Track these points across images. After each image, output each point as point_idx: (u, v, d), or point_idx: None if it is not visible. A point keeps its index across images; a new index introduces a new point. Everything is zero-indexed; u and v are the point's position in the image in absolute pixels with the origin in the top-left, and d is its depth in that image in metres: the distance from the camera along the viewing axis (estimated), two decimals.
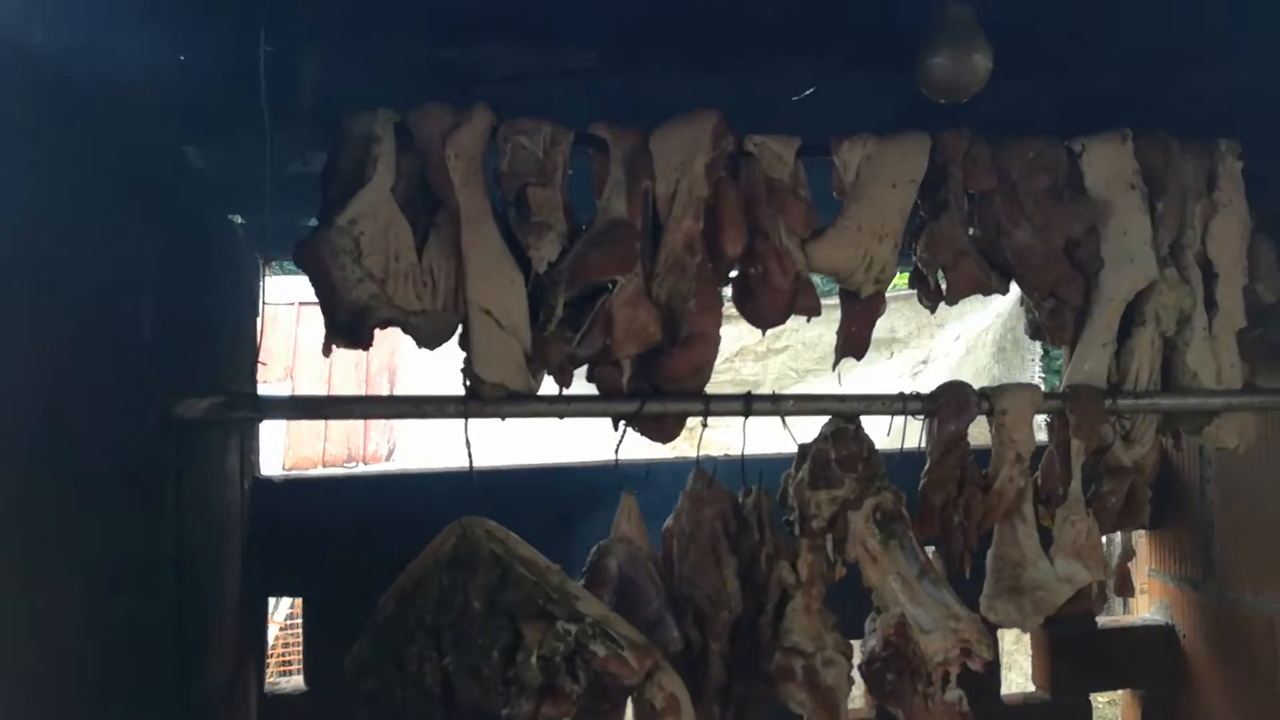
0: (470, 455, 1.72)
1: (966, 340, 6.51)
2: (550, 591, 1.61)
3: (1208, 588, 2.84)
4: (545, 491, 2.43)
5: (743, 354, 6.46)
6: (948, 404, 1.87)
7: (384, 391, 8.97)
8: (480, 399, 1.69)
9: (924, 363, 6.61)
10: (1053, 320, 1.95)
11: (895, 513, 1.82)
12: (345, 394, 8.04)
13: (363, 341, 1.72)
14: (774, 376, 6.74)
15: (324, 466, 9.34)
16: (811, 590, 1.80)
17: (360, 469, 8.59)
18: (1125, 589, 2.01)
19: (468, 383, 1.70)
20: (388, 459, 9.13)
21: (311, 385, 9.47)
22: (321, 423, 8.61)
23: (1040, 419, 2.02)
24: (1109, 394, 1.94)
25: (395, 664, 1.64)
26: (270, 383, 9.57)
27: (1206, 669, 2.85)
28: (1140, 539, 3.09)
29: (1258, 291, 2.06)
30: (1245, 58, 1.86)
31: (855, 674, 1.87)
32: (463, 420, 1.72)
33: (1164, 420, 2.03)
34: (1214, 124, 2.07)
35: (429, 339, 1.74)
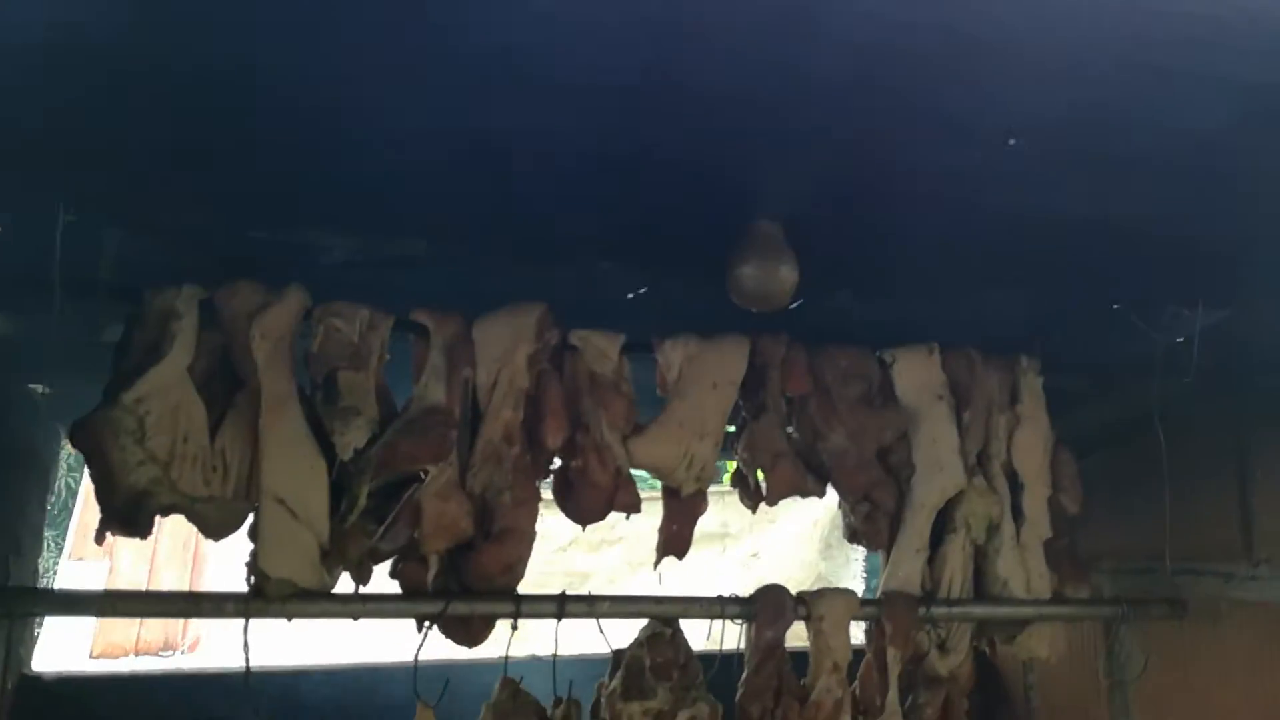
0: (247, 659, 1.57)
1: (796, 535, 6.63)
2: None
3: None
4: (338, 696, 2.23)
5: (576, 544, 6.33)
6: (765, 609, 1.83)
7: (211, 571, 8.36)
8: (265, 597, 1.56)
9: (755, 556, 6.66)
10: (867, 525, 1.97)
11: None
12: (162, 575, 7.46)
13: (141, 529, 1.58)
14: (608, 568, 6.61)
15: (136, 654, 8.52)
16: None
17: (167, 658, 7.87)
18: None
19: (252, 579, 1.57)
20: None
21: (133, 563, 8.78)
22: None
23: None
24: (923, 601, 1.94)
25: None
26: (87, 559, 8.81)
27: None
28: None
29: (1061, 501, 2.15)
30: (1041, 283, 2.00)
31: None
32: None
33: (978, 629, 2.04)
34: (1017, 342, 2.21)
35: (216, 529, 1.61)
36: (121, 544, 8.72)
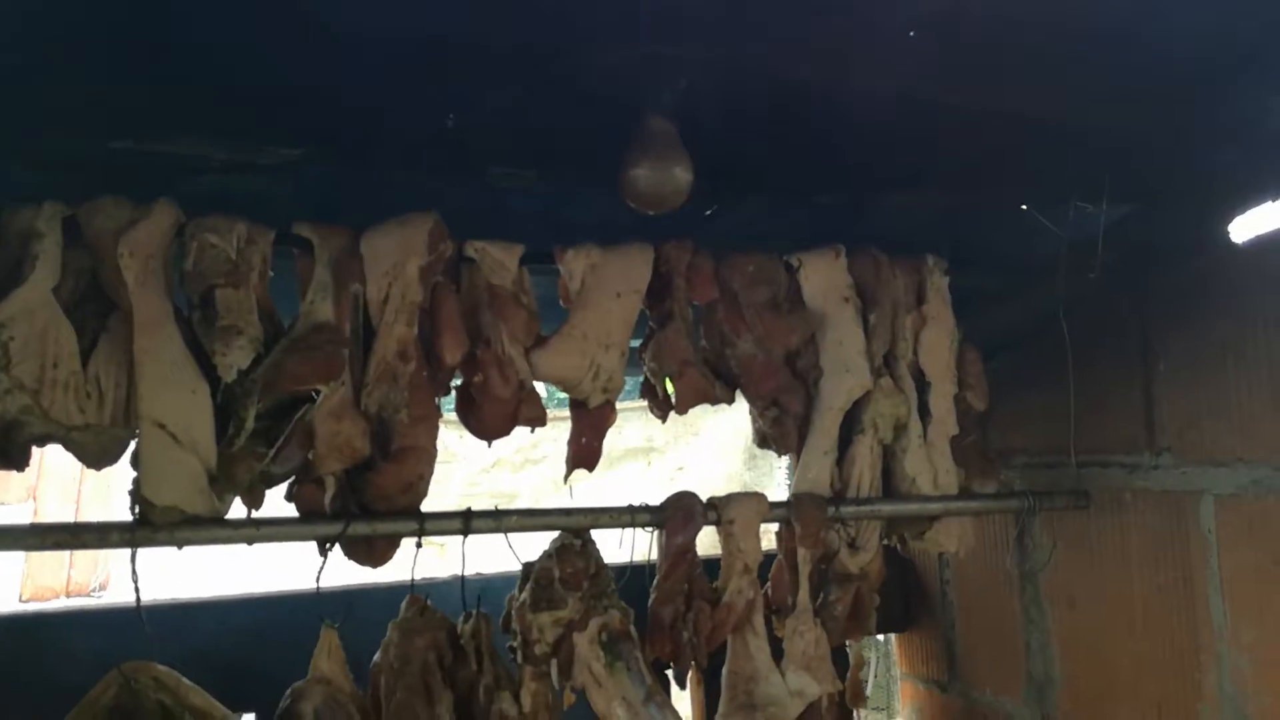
0: (137, 592, 1.52)
1: (719, 445, 6.71)
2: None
3: (953, 689, 2.91)
4: (239, 625, 2.19)
5: (499, 465, 6.31)
6: (674, 515, 1.83)
7: None
8: (151, 526, 1.50)
9: (680, 469, 6.75)
10: (776, 429, 1.97)
11: (622, 632, 1.74)
12: (88, 515, 7.31)
13: (15, 461, 1.50)
14: (532, 488, 6.64)
15: (67, 595, 8.41)
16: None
17: (99, 598, 7.78)
18: (858, 699, 2.00)
19: (136, 507, 1.51)
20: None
21: (58, 505, 8.60)
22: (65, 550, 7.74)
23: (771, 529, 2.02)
24: (832, 501, 1.96)
25: None
26: (11, 504, 8.61)
27: None
28: (892, 644, 3.16)
29: (968, 399, 2.17)
30: (947, 182, 1.99)
31: None
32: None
33: (887, 526, 2.07)
34: (922, 240, 2.21)
35: (95, 457, 1.54)
36: (45, 486, 8.53)
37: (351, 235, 1.71)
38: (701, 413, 4.05)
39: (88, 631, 2.05)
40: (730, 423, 5.94)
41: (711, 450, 6.62)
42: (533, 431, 1.82)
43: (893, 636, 3.21)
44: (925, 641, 3.02)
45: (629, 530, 1.87)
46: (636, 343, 2.00)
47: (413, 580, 1.72)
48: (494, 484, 6.23)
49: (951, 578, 2.91)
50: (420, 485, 1.67)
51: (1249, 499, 2.06)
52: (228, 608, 2.26)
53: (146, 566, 1.58)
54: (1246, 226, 2.16)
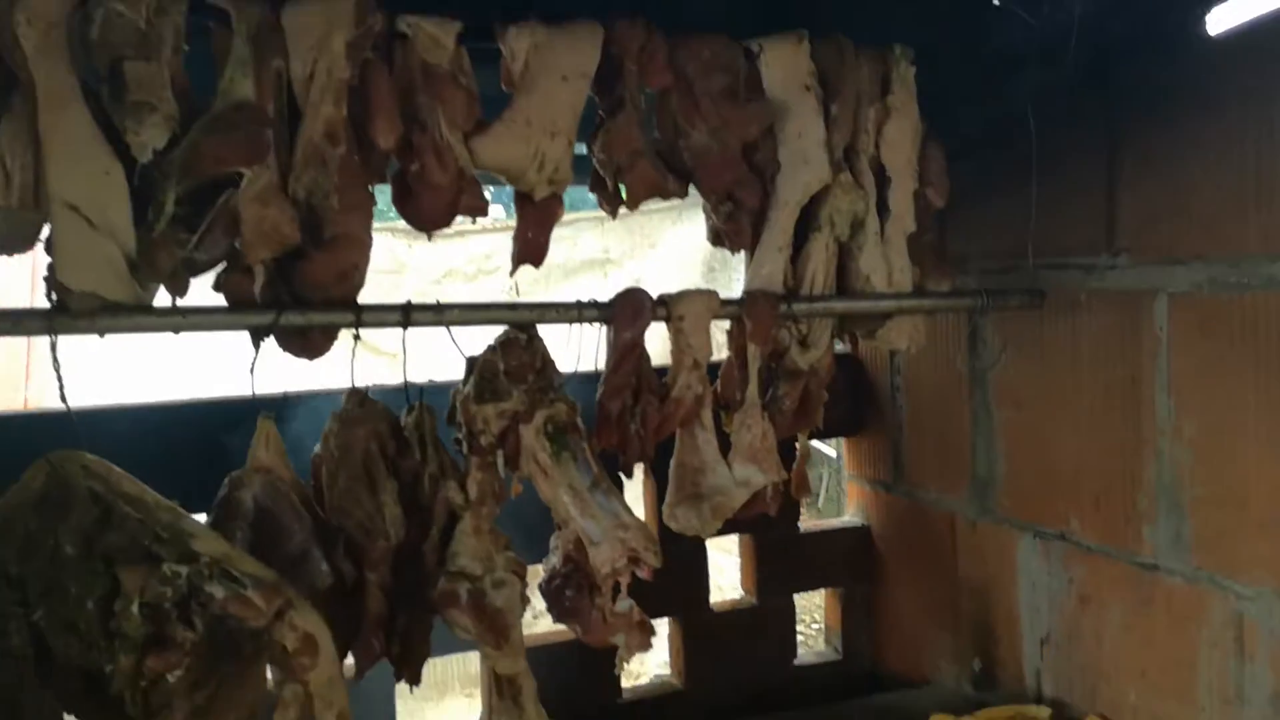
0: (60, 383, 1.47)
1: (678, 257, 6.63)
2: (159, 530, 1.41)
3: (898, 489, 2.99)
4: (174, 432, 2.15)
5: (451, 276, 6.17)
6: (623, 310, 1.79)
7: None
8: (70, 313, 1.44)
9: (637, 281, 6.69)
10: (730, 225, 1.91)
11: (569, 424, 1.73)
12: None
13: None
14: (485, 299, 6.58)
15: None
16: (481, 510, 1.69)
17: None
18: (802, 490, 2.03)
19: (53, 294, 1.44)
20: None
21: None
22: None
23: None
24: (785, 298, 1.93)
25: None
26: None
27: (898, 564, 3.02)
28: (841, 447, 3.22)
29: (928, 196, 2.11)
30: None
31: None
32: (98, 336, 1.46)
33: (839, 324, 2.05)
34: (888, 30, 2.09)
35: (6, 242, 1.46)
36: None
37: (271, 7, 1.58)
38: (659, 224, 3.97)
39: (15, 436, 2.01)
40: (689, 235, 5.83)
41: (669, 263, 6.54)
42: (474, 222, 1.74)
43: (843, 451, 3.28)
44: (873, 445, 3.09)
45: (576, 329, 1.83)
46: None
47: (352, 373, 1.68)
48: (446, 295, 6.12)
49: (902, 383, 2.95)
50: (355, 275, 1.60)
51: (1204, 296, 2.06)
52: (163, 412, 2.23)
53: (71, 383, 1.52)
54: (1222, 19, 2.08)
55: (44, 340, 1.47)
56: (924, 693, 2.83)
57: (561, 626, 1.84)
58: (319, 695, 1.43)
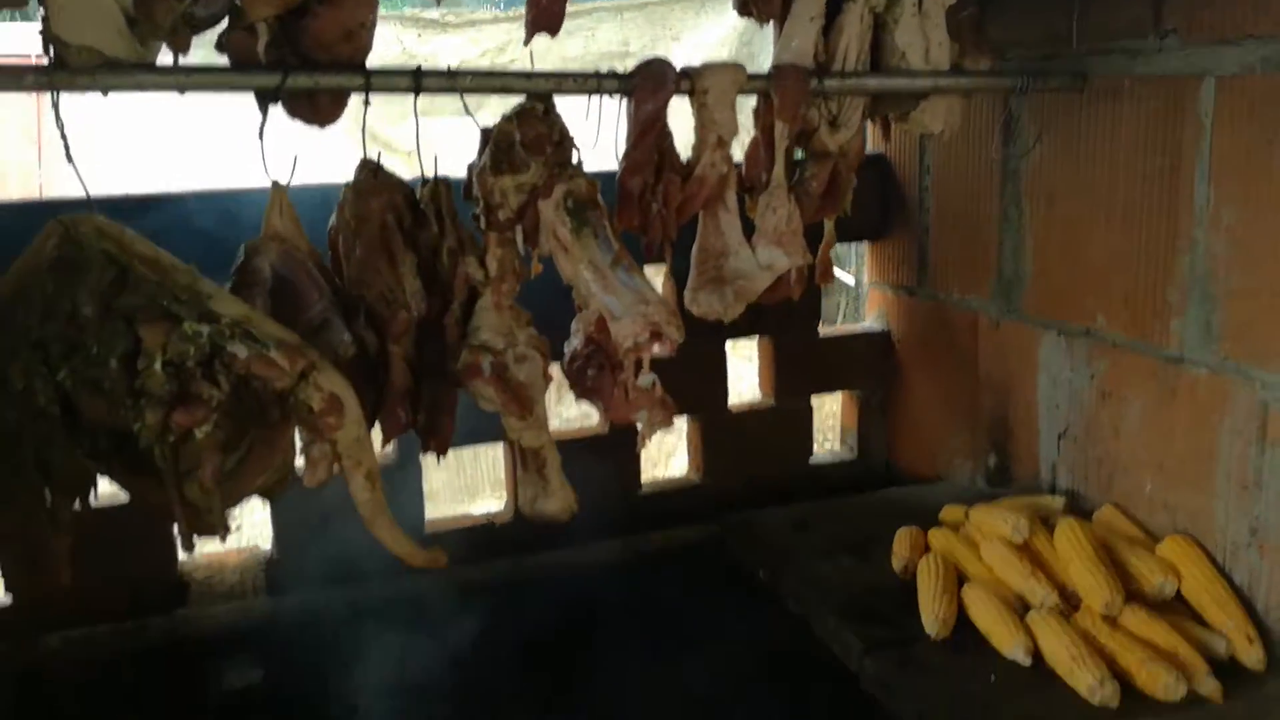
0: (66, 141, 1.42)
1: (702, 53, 6.32)
2: (177, 292, 1.39)
3: (921, 292, 2.95)
4: (191, 223, 2.09)
5: (464, 66, 5.94)
6: (644, 81, 1.71)
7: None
8: (69, 69, 1.37)
9: None
10: None
11: (589, 199, 1.68)
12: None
13: None
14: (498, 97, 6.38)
15: None
16: (502, 286, 1.66)
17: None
18: (826, 276, 2.00)
19: (51, 49, 1.37)
20: None
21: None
22: None
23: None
24: (815, 74, 1.83)
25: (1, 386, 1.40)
26: None
27: (917, 367, 3.02)
28: (865, 253, 3.17)
29: None
30: None
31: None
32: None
33: (872, 104, 1.96)
34: None
35: None
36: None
37: None
38: (681, 14, 3.76)
39: (35, 223, 1.98)
40: (713, 28, 5.55)
41: (693, 58, 6.23)
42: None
43: (866, 257, 3.22)
44: (898, 249, 3.03)
45: (595, 104, 1.75)
46: None
47: (364, 140, 1.61)
48: None
49: (931, 182, 2.86)
50: (363, 34, 1.52)
51: (1255, 77, 1.95)
52: (180, 203, 2.17)
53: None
54: None
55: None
56: (938, 488, 2.88)
57: (581, 423, 1.85)
58: (347, 454, 1.45)
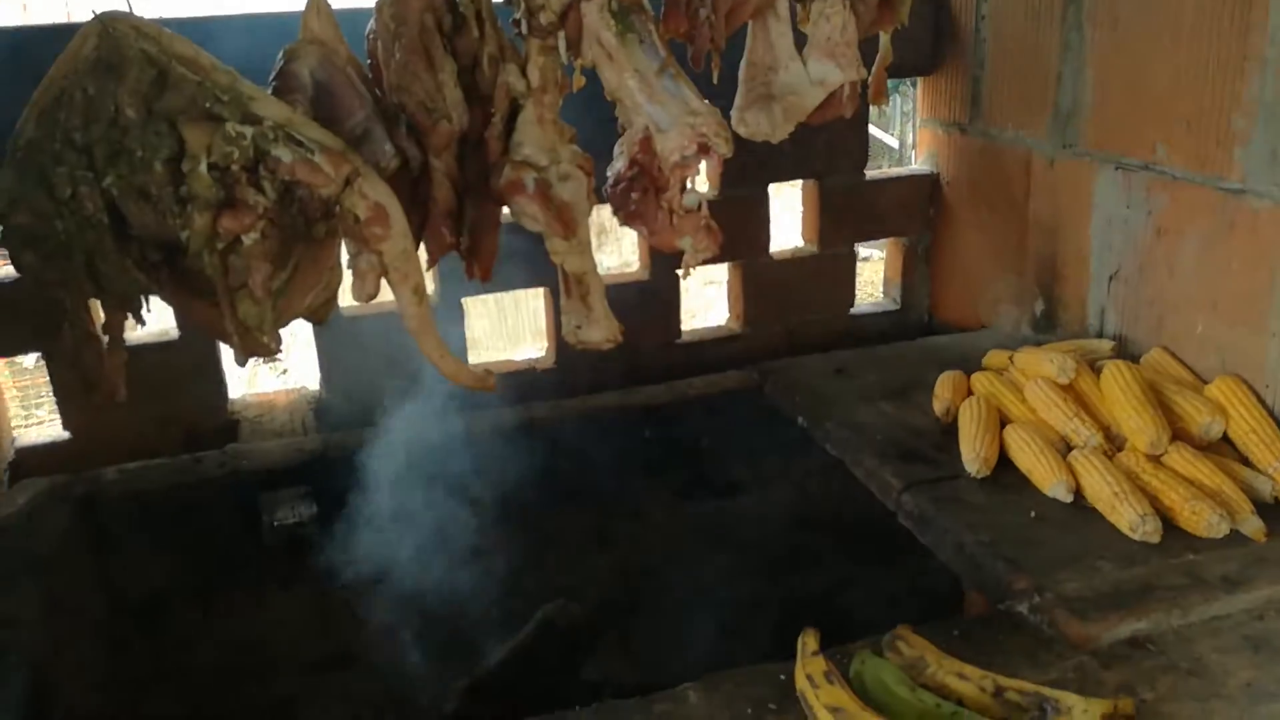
0: None
1: None
2: (218, 93, 1.36)
3: (973, 129, 2.86)
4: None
5: None
6: None
7: None
8: None
9: None
10: None
11: (634, 3, 1.60)
12: None
13: None
14: None
15: None
16: (544, 99, 1.61)
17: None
18: (880, 95, 1.92)
19: None
20: None
21: None
22: None
23: None
24: None
25: (46, 191, 1.39)
26: None
27: (965, 210, 2.95)
28: (916, 89, 3.06)
29: None
30: None
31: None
32: None
33: None
34: None
35: None
36: None
37: None
38: None
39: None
40: None
41: None
42: None
43: (917, 96, 3.11)
44: (950, 84, 2.92)
45: None
46: None
47: None
48: None
49: (989, 10, 2.73)
50: None
51: None
52: (222, 25, 2.10)
53: None
54: None
55: None
56: (982, 335, 2.84)
57: (621, 268, 1.81)
58: (393, 267, 1.44)
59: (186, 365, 2.50)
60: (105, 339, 1.57)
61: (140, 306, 1.50)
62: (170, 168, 1.34)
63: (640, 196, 1.72)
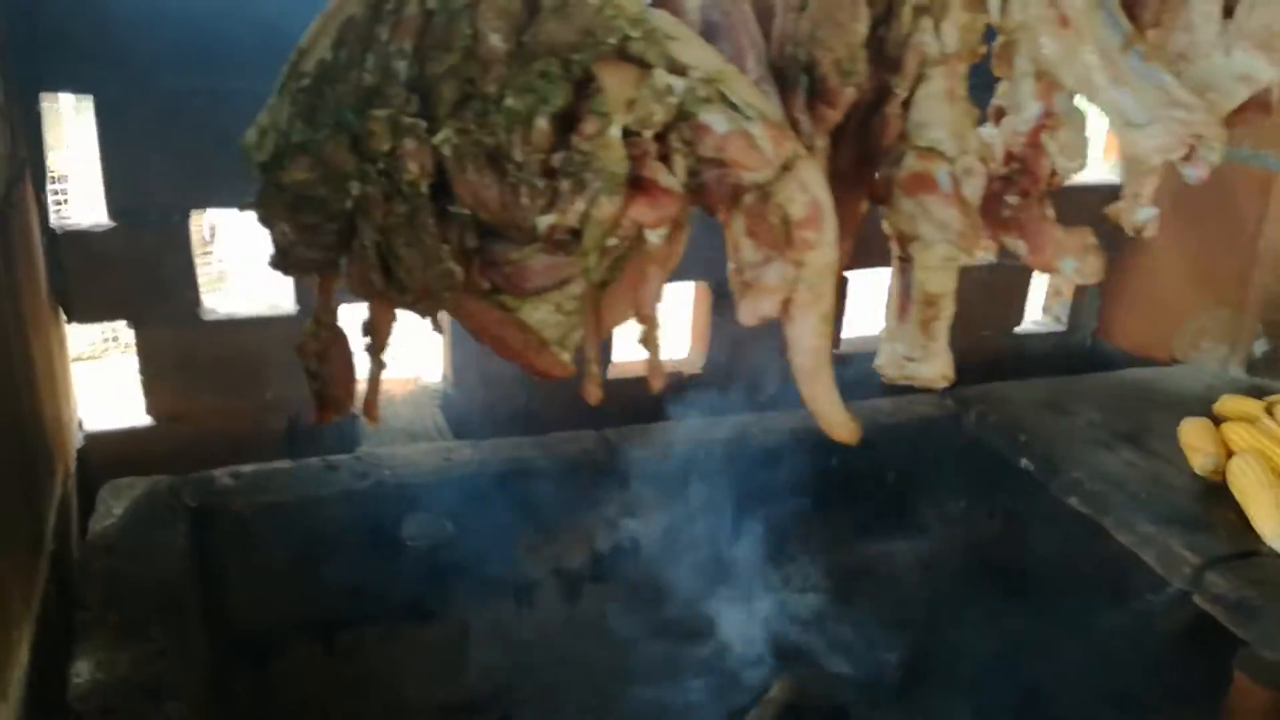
0: None
1: None
2: (625, 25, 0.93)
3: None
4: None
5: None
6: None
7: None
8: None
9: None
10: None
11: None
12: None
13: None
14: None
15: None
16: (958, 69, 1.22)
17: None
18: None
19: None
20: None
21: None
22: None
23: None
24: None
25: (348, 142, 0.94)
26: None
27: (1168, 229, 2.59)
28: None
29: None
30: None
31: None
32: None
33: None
34: None
35: None
36: None
37: None
38: None
39: None
40: None
41: None
42: None
43: None
44: None
45: None
46: None
47: None
48: None
49: None
50: None
51: None
52: None
53: None
54: None
55: None
56: (1180, 371, 2.55)
57: None
58: (810, 284, 1.03)
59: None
60: (368, 344, 1.14)
61: (441, 308, 1.06)
62: (556, 125, 0.91)
63: (1019, 203, 1.35)
